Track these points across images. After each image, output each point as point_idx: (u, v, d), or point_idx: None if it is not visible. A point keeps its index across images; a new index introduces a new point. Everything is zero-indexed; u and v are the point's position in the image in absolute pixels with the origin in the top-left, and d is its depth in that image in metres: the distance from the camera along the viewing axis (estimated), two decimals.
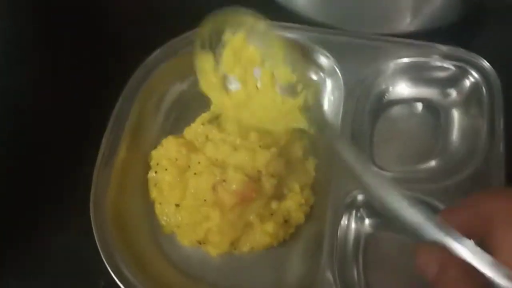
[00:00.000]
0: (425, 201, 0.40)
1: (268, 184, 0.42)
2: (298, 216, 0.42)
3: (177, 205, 0.42)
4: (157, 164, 0.45)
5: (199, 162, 0.43)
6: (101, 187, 0.43)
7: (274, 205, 0.42)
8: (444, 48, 0.46)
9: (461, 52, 0.46)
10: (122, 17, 0.55)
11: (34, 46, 0.52)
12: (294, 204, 0.42)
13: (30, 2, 0.54)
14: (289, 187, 0.43)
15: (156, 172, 0.44)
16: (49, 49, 0.53)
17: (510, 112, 0.44)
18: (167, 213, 0.43)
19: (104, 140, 0.44)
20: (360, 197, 0.41)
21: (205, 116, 0.47)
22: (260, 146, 0.43)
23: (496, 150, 0.42)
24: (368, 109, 0.47)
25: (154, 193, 0.44)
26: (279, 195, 0.43)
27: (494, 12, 0.46)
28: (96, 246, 0.40)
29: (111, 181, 0.43)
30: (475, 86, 0.45)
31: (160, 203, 0.43)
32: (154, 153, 0.46)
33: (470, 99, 0.46)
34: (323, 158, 0.45)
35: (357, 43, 0.47)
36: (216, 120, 0.47)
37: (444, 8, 0.47)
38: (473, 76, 0.46)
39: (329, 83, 0.48)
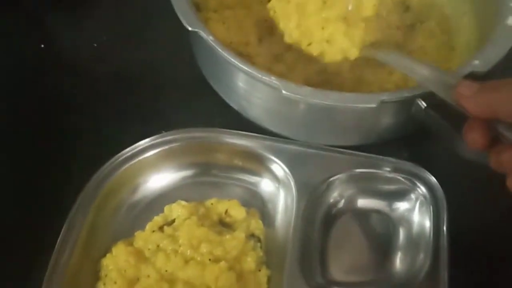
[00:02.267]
0: None
1: None
2: None
3: None
4: (106, 275, 0.44)
5: (148, 276, 0.43)
6: None
7: None
8: (393, 161, 0.48)
9: (410, 165, 0.48)
10: (84, 117, 0.56)
11: None
12: None
13: None
14: None
15: (104, 284, 0.44)
16: (9, 145, 0.54)
17: (454, 227, 0.45)
18: None
19: (56, 248, 0.43)
20: None
21: (156, 220, 0.47)
22: (210, 260, 0.44)
23: (441, 264, 0.43)
24: (319, 218, 0.47)
25: None
26: None
27: None
28: None
29: None
30: (422, 199, 0.47)
31: None
32: (103, 261, 0.45)
33: (417, 212, 0.47)
34: (276, 268, 0.45)
35: (309, 153, 0.48)
36: (168, 226, 0.47)
37: (392, 125, 0.49)
38: (421, 189, 0.47)
39: (282, 192, 0.49)
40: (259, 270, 0.45)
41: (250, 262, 0.45)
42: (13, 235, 0.48)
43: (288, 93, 0.42)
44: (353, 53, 0.48)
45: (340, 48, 0.48)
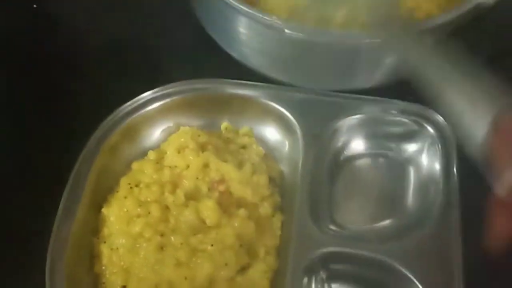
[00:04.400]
0: (385, 262, 0.40)
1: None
2: (262, 285, 0.41)
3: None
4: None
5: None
6: (58, 252, 0.40)
7: (239, 278, 0.40)
8: (400, 103, 0.47)
9: (417, 107, 0.47)
10: (83, 76, 0.55)
11: None
12: (258, 273, 0.41)
13: None
14: (255, 251, 0.42)
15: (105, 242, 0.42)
16: (10, 108, 0.53)
17: (464, 166, 0.44)
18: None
19: (61, 204, 0.43)
20: (319, 260, 0.41)
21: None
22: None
23: (452, 204, 0.42)
24: (326, 165, 0.47)
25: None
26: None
27: None
28: None
29: (68, 244, 0.41)
30: (430, 140, 0.46)
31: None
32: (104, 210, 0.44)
33: (426, 153, 0.47)
34: (287, 213, 0.45)
35: (314, 99, 0.48)
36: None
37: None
38: (429, 131, 0.46)
39: (288, 140, 0.48)
40: (273, 216, 0.45)
41: (267, 207, 0.44)
42: (19, 196, 0.48)
43: (291, 32, 0.41)
44: None
45: None
